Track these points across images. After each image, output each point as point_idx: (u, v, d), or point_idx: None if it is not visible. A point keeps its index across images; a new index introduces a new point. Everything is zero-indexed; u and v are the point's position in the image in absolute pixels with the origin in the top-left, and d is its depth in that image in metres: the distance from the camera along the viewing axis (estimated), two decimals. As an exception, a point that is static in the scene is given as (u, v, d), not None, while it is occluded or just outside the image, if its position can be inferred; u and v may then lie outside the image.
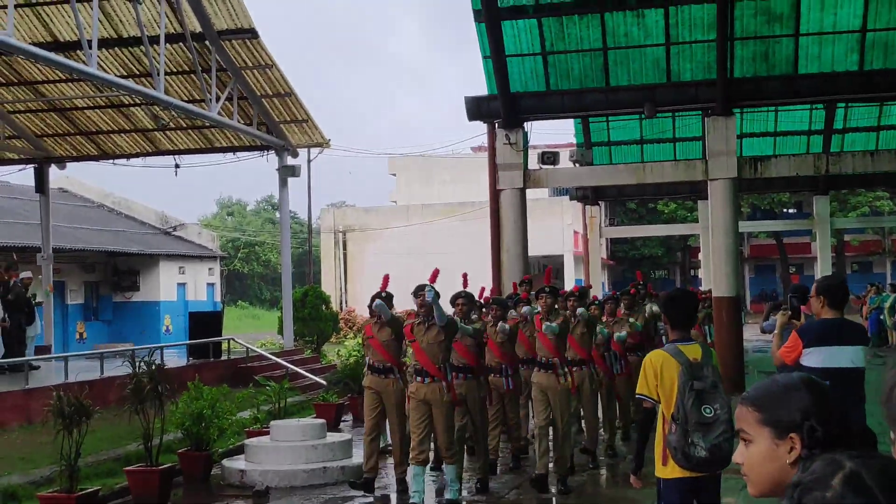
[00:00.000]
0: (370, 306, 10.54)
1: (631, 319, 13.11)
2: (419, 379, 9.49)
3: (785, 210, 53.59)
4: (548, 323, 9.95)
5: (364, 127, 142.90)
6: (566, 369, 10.18)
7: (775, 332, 7.24)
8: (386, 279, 10.30)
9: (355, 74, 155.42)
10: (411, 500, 9.49)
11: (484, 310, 11.73)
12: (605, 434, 12.48)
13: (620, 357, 12.79)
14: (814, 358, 6.32)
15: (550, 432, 10.16)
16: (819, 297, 6.48)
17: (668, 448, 5.31)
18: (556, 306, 10.42)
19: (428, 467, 10.12)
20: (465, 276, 10.48)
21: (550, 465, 10.22)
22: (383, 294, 10.13)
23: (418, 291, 9.68)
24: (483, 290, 12.38)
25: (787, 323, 7.15)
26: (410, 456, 9.54)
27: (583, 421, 12.03)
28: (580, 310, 11.12)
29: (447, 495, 9.71)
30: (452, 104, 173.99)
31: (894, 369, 1.11)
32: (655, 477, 5.60)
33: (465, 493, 10.10)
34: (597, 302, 12.69)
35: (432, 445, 10.05)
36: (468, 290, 10.35)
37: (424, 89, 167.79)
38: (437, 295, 9.31)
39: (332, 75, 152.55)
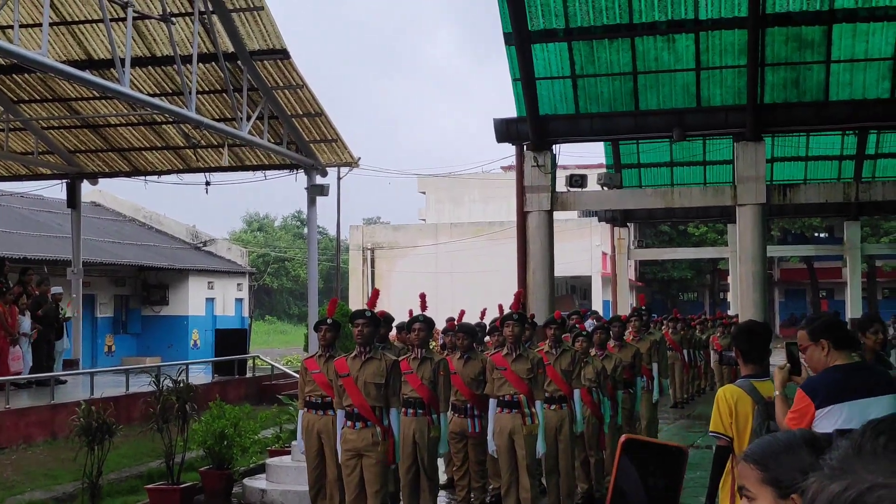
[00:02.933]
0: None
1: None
2: (349, 424, 8.12)
3: (816, 235, 53.25)
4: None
5: (397, 139, 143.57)
6: (532, 410, 8.97)
7: (776, 393, 5.24)
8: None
9: (390, 84, 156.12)
10: None
11: (445, 336, 10.57)
12: (584, 485, 10.86)
13: (609, 397, 11.14)
14: (833, 419, 4.65)
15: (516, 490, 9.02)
16: (819, 341, 4.90)
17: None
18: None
19: None
20: (422, 296, 9.50)
21: None
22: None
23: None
24: (484, 311, 11.85)
25: (787, 380, 5.22)
26: None
27: (545, 478, 10.23)
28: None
29: None
30: (488, 117, 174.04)
31: (815, 482, 1.15)
32: None
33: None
34: (584, 333, 10.90)
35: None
36: (425, 313, 9.28)
37: (461, 101, 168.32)
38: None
39: (367, 87, 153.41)
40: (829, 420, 4.64)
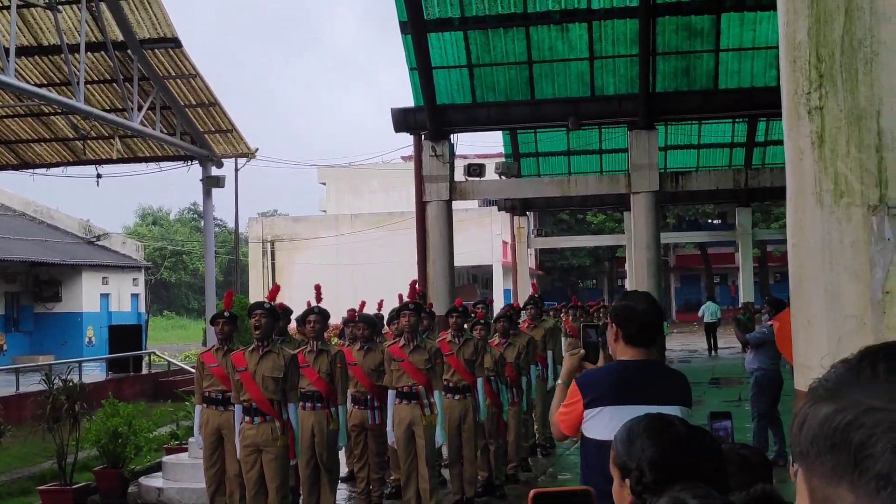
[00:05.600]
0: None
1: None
2: (247, 419, 8.00)
3: (710, 221, 54.47)
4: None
5: (296, 128, 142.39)
6: (430, 400, 8.98)
7: (559, 382, 4.38)
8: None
9: (290, 70, 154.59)
10: None
11: (347, 328, 10.52)
12: (484, 473, 10.80)
13: (512, 384, 11.25)
14: (601, 424, 3.91)
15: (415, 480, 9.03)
16: (612, 324, 4.17)
17: None
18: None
19: None
20: (317, 287, 9.24)
21: None
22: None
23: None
24: (381, 302, 11.50)
25: (578, 368, 4.29)
26: None
27: (448, 468, 10.26)
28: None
29: None
30: (391, 102, 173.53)
31: (806, 404, 1.10)
32: None
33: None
34: (481, 321, 10.77)
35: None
36: (320, 305, 9.11)
37: (363, 87, 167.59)
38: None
39: (265, 72, 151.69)
40: (596, 424, 3.96)
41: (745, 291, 34.35)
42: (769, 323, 11.51)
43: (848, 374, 1.09)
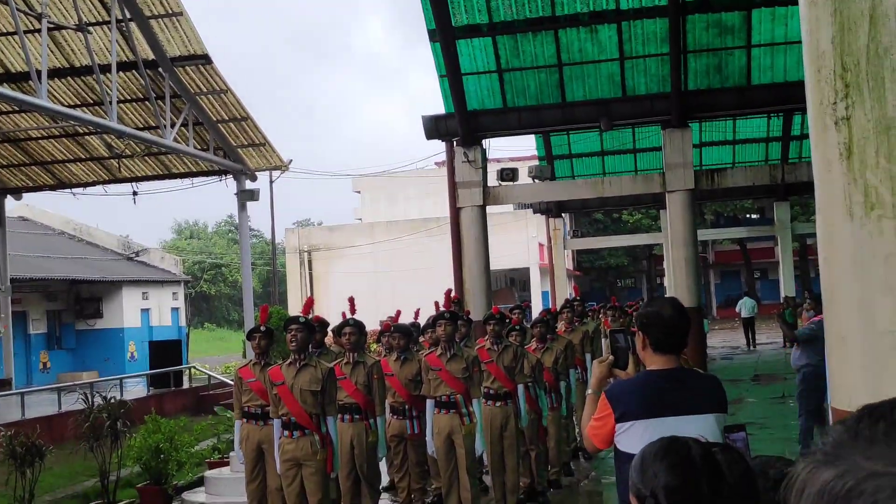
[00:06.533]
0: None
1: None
2: (286, 433, 8.04)
3: (748, 216, 53.98)
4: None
5: (330, 136, 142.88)
6: (469, 409, 8.92)
7: (589, 392, 4.29)
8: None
9: (320, 78, 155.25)
10: None
11: (383, 338, 10.53)
12: (525, 480, 10.73)
13: (551, 389, 11.19)
14: (634, 438, 3.75)
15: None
16: (640, 333, 4.03)
17: None
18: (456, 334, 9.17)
19: None
20: (351, 299, 9.29)
21: None
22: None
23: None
24: (418, 311, 11.43)
25: (607, 376, 4.20)
26: None
27: (490, 476, 10.16)
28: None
29: None
30: (424, 107, 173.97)
31: (803, 469, 1.05)
32: None
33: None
34: (517, 327, 10.72)
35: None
36: (355, 317, 9.11)
37: (396, 92, 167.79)
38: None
39: (296, 81, 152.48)
40: (631, 438, 3.79)
41: (786, 286, 34.00)
42: (818, 318, 11.34)
43: (846, 435, 1.04)
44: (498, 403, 9.72)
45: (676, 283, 18.70)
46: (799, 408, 12.05)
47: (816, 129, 3.33)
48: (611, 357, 4.21)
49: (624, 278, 61.57)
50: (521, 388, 9.98)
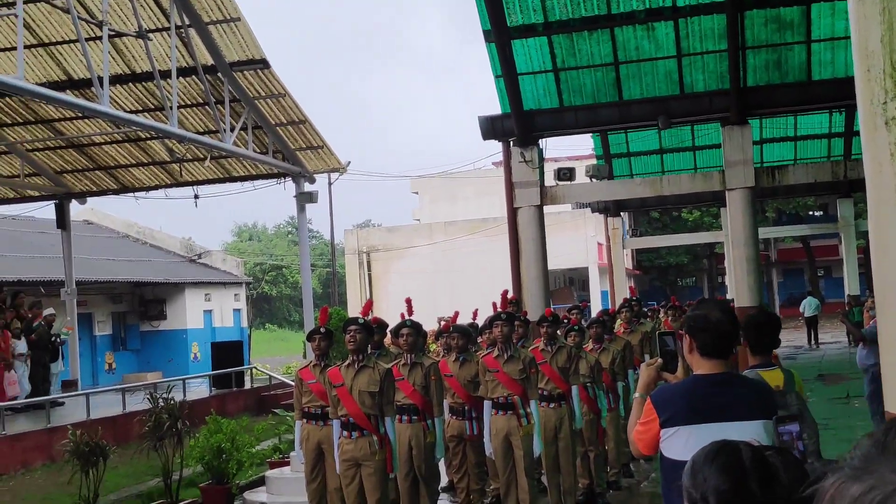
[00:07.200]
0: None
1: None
2: (345, 434, 8.14)
3: (811, 214, 53.19)
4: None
5: (387, 136, 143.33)
6: (527, 410, 8.94)
7: (636, 394, 4.26)
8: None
9: (377, 78, 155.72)
10: None
11: (441, 339, 10.52)
12: (584, 481, 10.78)
13: (608, 389, 11.14)
14: (679, 444, 3.74)
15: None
16: (686, 336, 3.98)
17: None
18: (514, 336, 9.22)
19: None
20: (408, 301, 9.32)
21: None
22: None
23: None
24: (476, 312, 11.44)
25: (656, 379, 4.19)
26: None
27: (546, 477, 10.13)
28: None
29: None
30: (482, 106, 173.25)
31: (832, 484, 1.05)
32: None
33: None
34: (575, 327, 10.72)
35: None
36: (412, 318, 9.10)
37: (453, 91, 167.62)
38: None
39: (352, 82, 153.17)
40: (676, 444, 3.76)
41: (850, 284, 33.48)
42: None
43: (874, 449, 1.05)
44: (552, 405, 9.72)
45: (737, 282, 18.49)
46: (871, 409, 11.85)
47: (867, 129, 3.28)
48: (659, 360, 4.15)
49: (684, 277, 60.96)
50: (575, 388, 9.97)
